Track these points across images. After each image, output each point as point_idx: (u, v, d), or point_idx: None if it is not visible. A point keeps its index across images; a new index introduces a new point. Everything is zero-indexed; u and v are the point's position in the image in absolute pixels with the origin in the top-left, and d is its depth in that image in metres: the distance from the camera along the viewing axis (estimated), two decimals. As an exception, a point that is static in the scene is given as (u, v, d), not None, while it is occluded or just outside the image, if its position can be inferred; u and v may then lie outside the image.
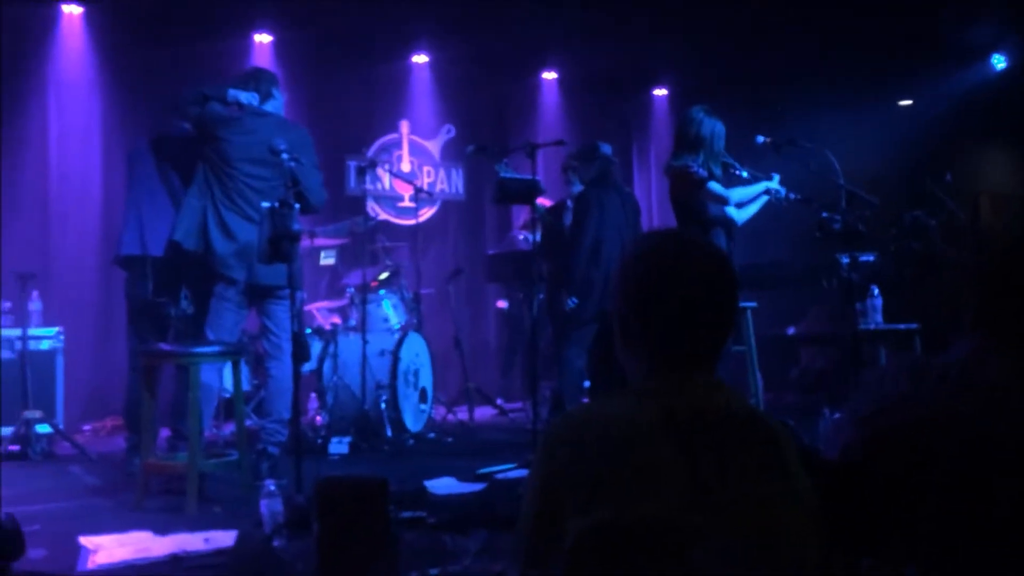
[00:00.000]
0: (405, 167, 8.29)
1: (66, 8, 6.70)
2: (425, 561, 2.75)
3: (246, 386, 5.63)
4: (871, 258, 5.68)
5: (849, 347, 5.20)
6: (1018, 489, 1.40)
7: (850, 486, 1.51)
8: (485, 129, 8.36)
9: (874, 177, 6.40)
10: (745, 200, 4.79)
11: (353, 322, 6.19)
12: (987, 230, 6.73)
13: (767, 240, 5.03)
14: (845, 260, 4.96)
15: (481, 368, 7.89)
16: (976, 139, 8.62)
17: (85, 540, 3.18)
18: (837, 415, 4.06)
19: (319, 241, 6.51)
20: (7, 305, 5.71)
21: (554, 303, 5.50)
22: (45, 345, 5.67)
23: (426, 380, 6.22)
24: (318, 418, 5.95)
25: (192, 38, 6.70)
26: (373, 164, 7.20)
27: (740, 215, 4.80)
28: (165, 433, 4.76)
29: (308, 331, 5.99)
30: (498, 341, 8.40)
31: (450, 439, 5.97)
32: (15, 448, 5.16)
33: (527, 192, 5.49)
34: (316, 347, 5.93)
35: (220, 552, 3.10)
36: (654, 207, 9.57)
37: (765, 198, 4.91)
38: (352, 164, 7.74)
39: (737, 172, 4.88)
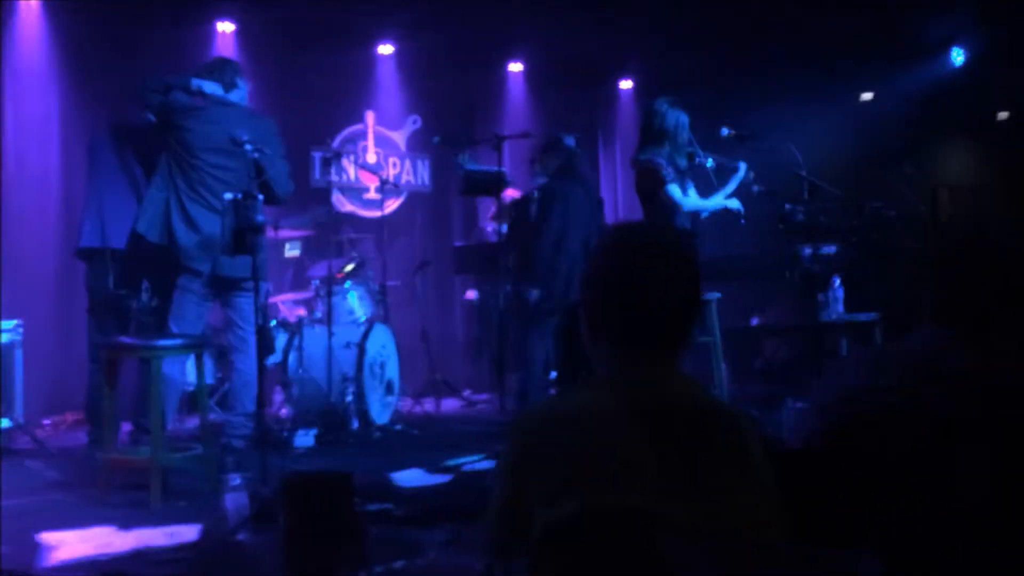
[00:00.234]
0: (371, 158, 8.25)
1: (23, -5, 6.58)
2: (391, 554, 2.74)
3: (210, 379, 5.58)
4: (832, 250, 5.76)
5: (811, 337, 5.27)
6: (980, 475, 1.43)
7: (812, 474, 1.54)
8: (451, 120, 8.34)
9: (836, 170, 6.48)
10: (699, 210, 4.84)
11: (319, 314, 6.15)
12: (946, 222, 6.83)
13: (731, 232, 5.07)
14: (807, 252, 5.03)
15: (448, 360, 7.88)
16: (936, 132, 8.75)
17: (46, 536, 3.14)
18: (800, 405, 4.12)
19: (283, 233, 6.46)
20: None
21: (518, 294, 5.51)
22: (4, 338, 5.57)
23: (392, 372, 6.20)
24: (283, 411, 5.91)
25: (153, 26, 6.60)
26: (338, 155, 7.17)
27: (700, 206, 4.85)
28: (127, 427, 4.70)
29: (273, 323, 5.95)
30: (465, 333, 8.39)
31: (416, 431, 5.96)
32: (-28, 443, 5.07)
33: (494, 184, 5.50)
34: (281, 340, 5.89)
35: (184, 547, 3.07)
36: (620, 199, 9.61)
37: (732, 187, 4.96)
38: (317, 155, 7.69)
39: (702, 161, 4.92)
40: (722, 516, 1.34)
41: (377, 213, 7.23)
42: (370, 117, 8.32)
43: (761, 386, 7.46)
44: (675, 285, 1.47)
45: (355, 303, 6.32)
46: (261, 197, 4.06)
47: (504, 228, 5.53)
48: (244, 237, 3.92)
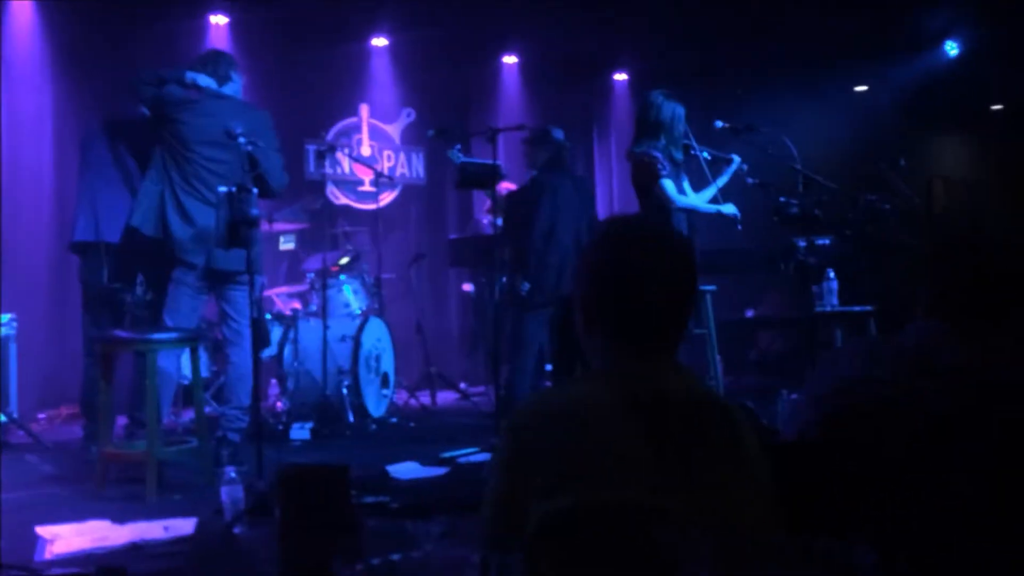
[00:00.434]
0: (365, 151, 8.23)
1: (16, -11, 6.54)
2: (387, 546, 2.74)
3: (205, 373, 5.58)
4: (827, 242, 5.77)
5: (806, 329, 5.28)
6: (974, 469, 1.43)
7: (807, 466, 1.54)
8: (446, 113, 8.32)
9: (830, 162, 6.49)
10: (694, 208, 4.84)
11: (314, 307, 6.15)
12: (940, 215, 6.85)
13: (726, 225, 5.08)
14: (802, 244, 5.04)
15: (443, 353, 7.88)
16: (930, 125, 8.76)
17: (42, 530, 3.13)
18: (795, 396, 4.13)
19: (278, 226, 6.45)
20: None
21: (511, 288, 5.52)
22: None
23: (388, 365, 6.20)
24: (279, 404, 5.91)
25: (146, 20, 6.57)
26: (332, 148, 7.15)
27: (694, 204, 4.85)
28: (122, 421, 4.70)
29: (268, 317, 5.94)
30: (460, 325, 8.40)
31: (412, 424, 5.97)
32: (-33, 438, 5.06)
33: (488, 177, 5.49)
34: (276, 333, 5.88)
35: (180, 540, 3.07)
36: (615, 191, 9.61)
37: (726, 179, 4.96)
38: (311, 148, 7.67)
39: (697, 154, 4.92)
40: (718, 509, 1.34)
41: (372, 206, 7.22)
42: (364, 110, 8.30)
43: (756, 378, 7.48)
44: (670, 278, 1.47)
45: (350, 296, 6.31)
46: (255, 190, 4.05)
47: (500, 221, 5.53)
48: (238, 230, 3.91)
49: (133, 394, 4.50)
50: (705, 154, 4.96)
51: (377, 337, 6.11)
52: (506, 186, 6.18)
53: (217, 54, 4.82)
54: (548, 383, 5.54)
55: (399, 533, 3.00)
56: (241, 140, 4.09)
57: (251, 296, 4.12)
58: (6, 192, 6.33)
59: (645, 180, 4.74)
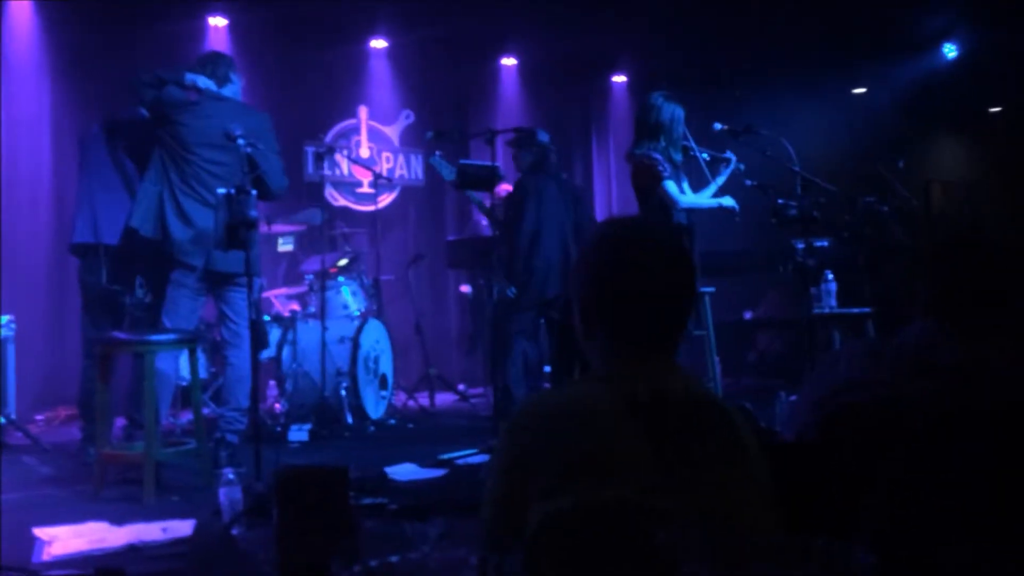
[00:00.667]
0: (364, 153, 8.23)
1: (15, -10, 6.54)
2: (386, 548, 2.74)
3: (203, 374, 5.57)
4: (826, 243, 5.77)
5: (804, 331, 5.28)
6: (973, 467, 1.43)
7: (806, 466, 1.54)
8: (445, 115, 8.33)
9: (829, 164, 6.49)
10: (697, 206, 4.84)
11: (312, 309, 6.14)
12: (938, 216, 6.86)
13: (725, 226, 5.08)
14: (800, 246, 5.04)
15: (442, 354, 7.88)
16: (928, 127, 8.77)
17: (40, 531, 3.13)
18: (793, 398, 4.13)
19: (277, 227, 6.45)
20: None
21: (499, 291, 5.52)
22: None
23: (386, 367, 6.20)
24: (277, 405, 5.91)
25: (145, 21, 6.57)
26: (331, 150, 7.14)
27: (696, 203, 4.85)
28: (120, 422, 4.69)
29: (266, 318, 5.94)
30: (459, 327, 8.39)
31: (411, 425, 5.97)
32: (-35, 439, 5.06)
33: (487, 178, 5.49)
34: (275, 334, 5.88)
35: (178, 541, 3.07)
36: (614, 193, 9.61)
37: (724, 178, 4.97)
38: (310, 150, 7.68)
39: (696, 155, 4.93)
40: (716, 509, 1.34)
41: (370, 207, 7.22)
42: (363, 112, 8.31)
43: (754, 379, 7.49)
44: (669, 279, 1.47)
45: (348, 297, 6.31)
46: (254, 192, 4.04)
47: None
48: (237, 232, 3.91)
49: (131, 395, 4.50)
50: (704, 155, 4.96)
51: (376, 339, 6.11)
52: (505, 188, 6.18)
53: (216, 56, 4.82)
54: (547, 384, 5.54)
55: (397, 534, 2.99)
56: (240, 142, 4.09)
57: (250, 298, 4.12)
58: (5, 194, 6.34)
59: (646, 182, 4.75)
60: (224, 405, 4.51)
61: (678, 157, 4.86)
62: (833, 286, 5.63)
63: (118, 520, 3.33)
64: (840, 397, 1.57)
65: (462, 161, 5.84)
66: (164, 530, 3.17)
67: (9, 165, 6.43)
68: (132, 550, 2.99)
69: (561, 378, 4.99)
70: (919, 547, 1.43)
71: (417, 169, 8.57)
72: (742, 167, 5.00)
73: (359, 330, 5.92)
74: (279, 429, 5.39)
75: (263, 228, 5.93)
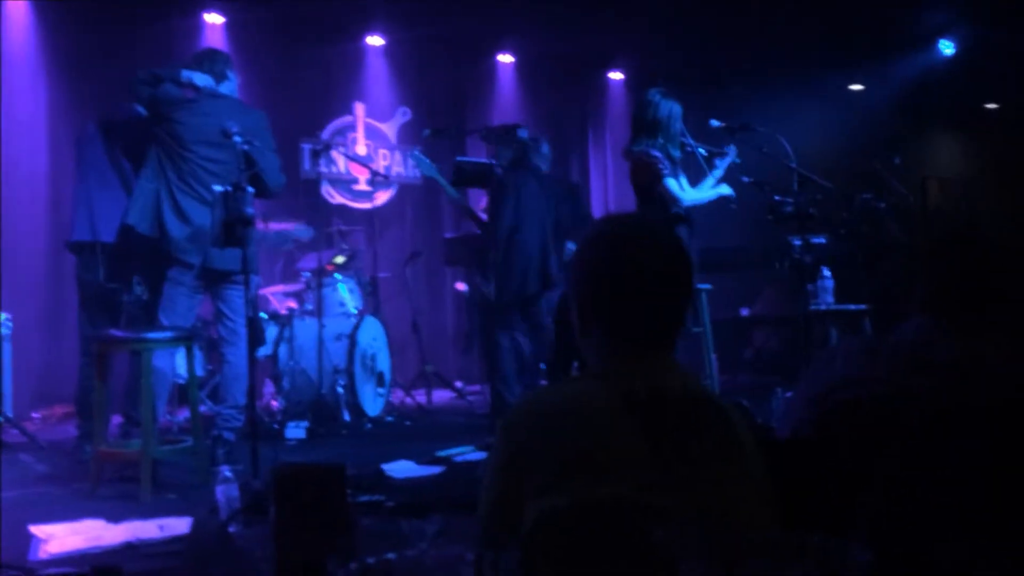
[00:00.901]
0: (360, 150, 8.23)
1: (11, -12, 6.52)
2: (383, 545, 2.74)
3: (200, 372, 5.57)
4: (822, 240, 5.78)
5: (801, 328, 5.29)
6: (970, 464, 1.44)
7: (802, 463, 1.55)
8: (441, 112, 8.32)
9: (826, 161, 6.50)
10: (697, 203, 4.84)
11: (309, 306, 6.14)
12: (935, 213, 6.87)
13: (721, 223, 5.09)
14: (797, 242, 5.04)
15: (439, 351, 7.88)
16: (925, 123, 8.79)
17: (36, 529, 3.12)
18: (789, 394, 4.13)
19: (274, 225, 6.44)
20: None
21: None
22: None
23: (383, 364, 6.20)
24: (274, 403, 5.90)
25: (143, 19, 6.56)
26: (328, 147, 7.14)
27: (697, 199, 4.86)
28: (117, 420, 4.69)
29: (263, 316, 5.93)
30: (456, 324, 8.39)
31: (408, 423, 5.97)
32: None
33: (484, 176, 5.49)
34: (272, 332, 5.88)
35: (175, 539, 3.07)
36: (610, 190, 9.61)
37: (721, 171, 4.98)
38: (306, 147, 7.67)
39: (694, 151, 4.93)
40: (713, 506, 1.34)
41: (367, 205, 7.22)
42: (360, 109, 8.29)
43: (751, 376, 7.49)
44: (667, 276, 1.47)
45: (345, 295, 6.31)
46: (251, 189, 4.04)
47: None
48: (234, 229, 3.91)
49: (128, 393, 4.50)
50: (701, 151, 4.97)
51: (373, 336, 6.11)
52: None
53: (213, 53, 4.81)
54: (543, 382, 5.54)
55: (395, 532, 2.99)
56: (237, 139, 4.08)
57: (247, 295, 4.12)
58: (3, 193, 6.33)
59: (646, 179, 4.74)
60: (221, 403, 4.51)
61: (676, 154, 4.86)
62: (830, 283, 5.63)
63: (115, 518, 3.32)
64: (836, 394, 1.57)
65: (459, 159, 5.84)
66: (161, 528, 3.17)
67: (7, 164, 6.41)
68: (129, 548, 2.99)
69: (558, 375, 4.99)
70: (915, 544, 1.43)
71: (414, 166, 8.56)
72: (738, 161, 5.01)
73: (356, 327, 5.92)
74: (276, 426, 5.40)
75: (260, 226, 5.92)
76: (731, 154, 4.99)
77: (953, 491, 1.43)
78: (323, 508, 2.41)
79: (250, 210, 3.98)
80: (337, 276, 6.33)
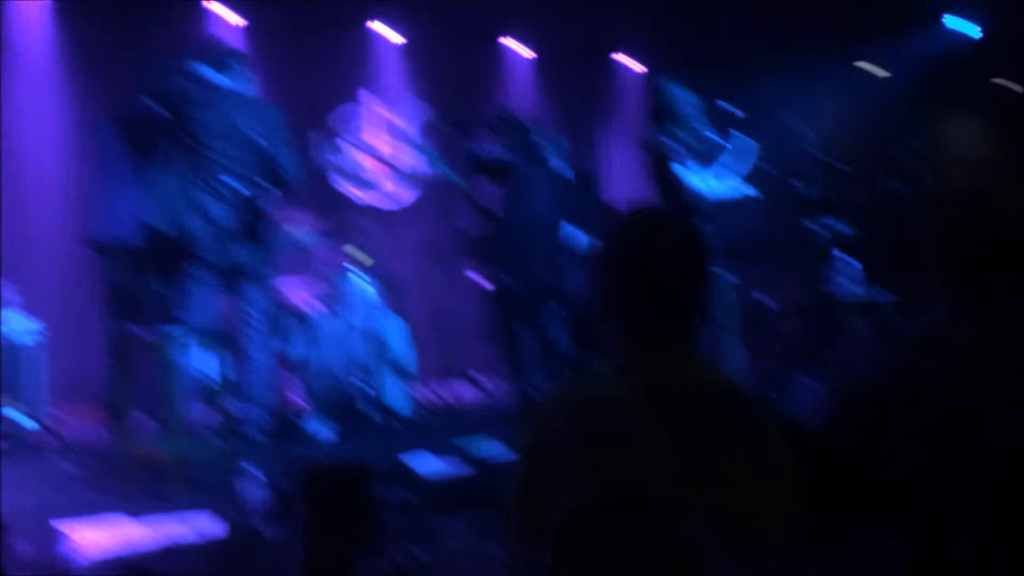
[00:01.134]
0: (376, 143, 8.21)
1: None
2: (410, 542, 2.76)
3: (224, 370, 5.59)
4: (846, 228, 5.73)
5: (826, 317, 5.26)
6: (1001, 452, 1.42)
7: (830, 458, 1.53)
8: (454, 103, 8.28)
9: (845, 145, 6.44)
10: (715, 196, 4.80)
11: (331, 302, 6.15)
12: (959, 197, 6.79)
13: (743, 211, 5.04)
14: (819, 230, 5.01)
15: (461, 347, 7.86)
16: (946, 106, 8.68)
17: (68, 530, 3.16)
18: (815, 384, 4.11)
19: (290, 219, 6.45)
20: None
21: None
22: (27, 340, 5.57)
23: (407, 360, 6.20)
24: (299, 401, 5.93)
25: (157, 13, 6.55)
26: (343, 140, 7.13)
27: (712, 191, 4.82)
28: (146, 419, 4.72)
29: (285, 312, 5.95)
30: (477, 319, 8.37)
31: (433, 419, 5.97)
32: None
33: (498, 167, 5.46)
34: (294, 329, 5.89)
35: (205, 540, 3.09)
36: (627, 184, 9.55)
37: (747, 167, 4.94)
38: (319, 139, 7.64)
39: (711, 140, 4.89)
40: (739, 501, 1.34)
41: (385, 200, 7.21)
42: (374, 101, 8.27)
43: (776, 366, 7.44)
44: (686, 268, 1.47)
45: (367, 290, 6.32)
46: (268, 185, 4.05)
47: None
48: (254, 227, 3.93)
49: (156, 393, 4.53)
50: (719, 140, 4.93)
51: (395, 332, 6.12)
52: None
53: (228, 50, 4.83)
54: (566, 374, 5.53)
55: (421, 528, 3.01)
56: (252, 136, 4.09)
57: (267, 291, 4.13)
58: (27, 193, 6.37)
59: (661, 170, 4.72)
60: (246, 401, 4.53)
61: (692, 144, 4.82)
62: (853, 271, 5.59)
63: (144, 518, 3.35)
64: (863, 388, 1.56)
65: (472, 150, 5.80)
66: (192, 528, 3.19)
67: (23, 163, 6.45)
68: (160, 549, 3.01)
69: (583, 370, 4.98)
70: (944, 537, 1.42)
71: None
72: (760, 148, 4.97)
73: (378, 323, 5.93)
74: (301, 425, 5.41)
75: (278, 221, 5.93)
76: (751, 144, 4.95)
77: (983, 483, 1.42)
78: (350, 507, 2.42)
79: (269, 207, 3.99)
80: (358, 271, 6.34)
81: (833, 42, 8.22)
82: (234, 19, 7.32)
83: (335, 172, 7.56)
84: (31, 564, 2.83)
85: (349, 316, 5.83)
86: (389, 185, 7.03)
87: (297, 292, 6.76)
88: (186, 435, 4.22)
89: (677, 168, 4.67)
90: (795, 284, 7.79)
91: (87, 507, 3.64)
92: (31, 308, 5.82)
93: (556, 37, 8.56)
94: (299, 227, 6.66)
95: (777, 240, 6.83)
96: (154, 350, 4.31)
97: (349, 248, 6.45)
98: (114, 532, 3.19)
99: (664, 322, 1.46)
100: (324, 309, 6.15)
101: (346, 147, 7.76)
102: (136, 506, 3.59)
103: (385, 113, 8.34)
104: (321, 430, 5.33)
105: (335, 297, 6.03)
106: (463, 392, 7.09)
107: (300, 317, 6.01)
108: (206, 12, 7.20)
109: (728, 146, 4.94)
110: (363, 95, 8.24)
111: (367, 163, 8.05)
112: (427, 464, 4.24)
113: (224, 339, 5.48)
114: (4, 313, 5.56)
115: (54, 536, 3.13)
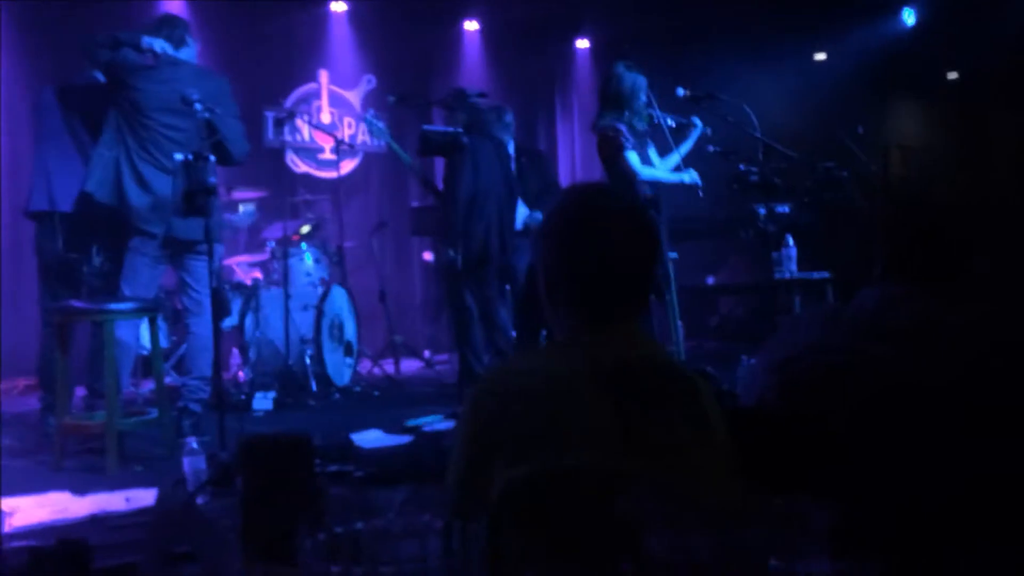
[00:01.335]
0: (325, 118, 8.14)
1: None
2: (351, 515, 2.76)
3: (165, 343, 5.52)
4: (786, 209, 5.82)
5: (766, 295, 5.35)
6: (930, 430, 1.46)
7: (765, 430, 1.57)
8: (407, 80, 8.24)
9: (790, 130, 6.53)
10: (657, 180, 4.84)
11: (275, 276, 6.10)
12: (896, 181, 6.94)
13: (687, 192, 5.11)
14: (762, 211, 5.08)
15: (407, 321, 7.87)
16: (887, 92, 8.85)
17: (1, 502, 3.10)
18: (754, 361, 4.18)
19: (237, 194, 6.37)
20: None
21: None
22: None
23: (351, 333, 6.18)
24: (241, 374, 5.88)
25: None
26: (292, 115, 7.06)
27: (657, 176, 4.86)
28: (81, 392, 4.64)
29: (228, 286, 5.88)
30: (423, 294, 8.37)
31: (376, 392, 5.97)
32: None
33: (450, 145, 5.45)
34: (237, 302, 5.83)
35: (141, 511, 3.06)
36: (577, 161, 9.60)
37: (690, 145, 4.99)
38: (270, 115, 7.56)
39: (661, 122, 4.93)
40: (679, 475, 1.36)
41: (333, 174, 7.15)
42: (324, 76, 8.19)
43: (717, 343, 7.57)
44: (632, 247, 1.48)
45: (311, 265, 6.27)
46: (213, 158, 3.98)
47: None
48: (196, 199, 3.86)
49: (91, 365, 4.44)
50: (669, 121, 4.97)
51: (339, 305, 6.08)
52: None
53: (172, 19, 4.72)
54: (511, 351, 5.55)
55: (363, 501, 3.01)
56: (198, 107, 4.02)
57: (211, 265, 4.07)
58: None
59: (610, 153, 4.75)
60: (186, 374, 4.48)
61: (642, 126, 4.86)
62: (793, 251, 5.69)
63: (80, 490, 3.31)
64: (798, 361, 1.59)
65: (425, 127, 5.79)
66: (127, 500, 3.16)
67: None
68: (94, 520, 2.98)
69: (526, 345, 5.01)
70: (877, 509, 1.46)
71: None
72: (708, 131, 5.02)
73: (323, 297, 5.89)
74: (243, 397, 5.37)
75: (223, 195, 5.85)
76: (698, 126, 5.00)
77: (913, 456, 1.46)
78: (291, 479, 2.41)
79: (212, 179, 3.93)
80: (303, 246, 6.29)
81: (780, 26, 8.32)
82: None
83: (287, 148, 7.47)
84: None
85: (293, 289, 5.78)
86: (338, 160, 6.96)
87: (241, 266, 6.68)
88: (124, 407, 4.15)
89: (625, 147, 4.70)
90: (737, 263, 7.92)
91: (22, 479, 3.58)
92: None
93: (510, 15, 8.53)
94: (245, 200, 6.58)
95: (717, 219, 6.93)
96: (91, 322, 4.23)
97: (295, 223, 6.39)
98: (50, 504, 3.15)
99: (606, 298, 1.47)
100: (268, 283, 6.09)
101: (298, 123, 7.67)
102: (72, 478, 3.54)
103: (337, 90, 8.25)
104: (262, 402, 5.29)
105: (279, 270, 5.97)
106: (407, 365, 7.09)
107: (243, 290, 5.95)
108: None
109: (674, 126, 4.98)
110: (319, 73, 8.14)
111: (318, 138, 7.97)
112: (369, 436, 4.24)
113: (164, 312, 5.40)
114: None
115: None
